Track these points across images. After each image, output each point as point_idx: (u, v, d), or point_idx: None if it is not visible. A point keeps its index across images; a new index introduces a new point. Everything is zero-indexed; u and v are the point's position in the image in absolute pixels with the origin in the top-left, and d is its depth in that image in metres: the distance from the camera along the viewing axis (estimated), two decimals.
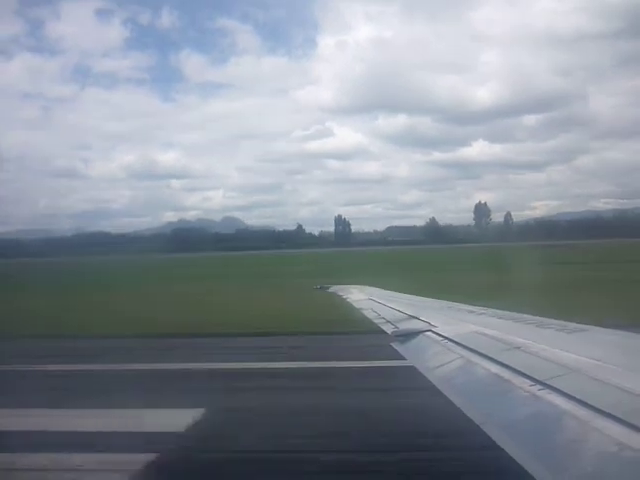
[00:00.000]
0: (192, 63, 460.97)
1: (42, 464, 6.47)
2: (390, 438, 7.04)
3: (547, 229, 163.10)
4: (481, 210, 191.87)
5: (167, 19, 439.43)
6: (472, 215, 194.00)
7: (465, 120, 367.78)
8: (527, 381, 2.50)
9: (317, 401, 8.86)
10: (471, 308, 5.50)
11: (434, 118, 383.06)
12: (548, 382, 2.38)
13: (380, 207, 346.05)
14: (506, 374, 2.69)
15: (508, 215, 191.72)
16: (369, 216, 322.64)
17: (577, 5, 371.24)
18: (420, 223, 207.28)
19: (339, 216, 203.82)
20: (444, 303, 6.31)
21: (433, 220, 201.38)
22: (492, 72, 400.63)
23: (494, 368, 2.84)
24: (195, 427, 7.58)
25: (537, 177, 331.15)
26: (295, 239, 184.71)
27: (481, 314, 4.96)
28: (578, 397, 2.12)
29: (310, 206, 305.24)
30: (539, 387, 2.38)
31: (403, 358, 4.10)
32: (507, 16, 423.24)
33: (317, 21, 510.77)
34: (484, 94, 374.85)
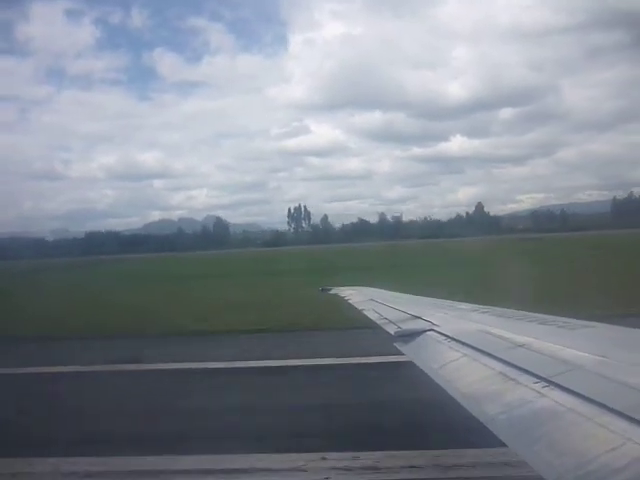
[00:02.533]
0: (166, 62, 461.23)
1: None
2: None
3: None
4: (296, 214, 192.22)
5: (137, 19, 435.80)
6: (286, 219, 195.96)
7: (440, 115, 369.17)
8: (532, 378, 2.49)
9: None
10: (474, 306, 5.50)
11: (408, 114, 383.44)
12: (553, 379, 2.38)
13: (366, 203, 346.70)
14: (511, 372, 2.69)
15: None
16: (356, 212, 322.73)
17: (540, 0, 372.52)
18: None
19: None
20: (446, 302, 6.31)
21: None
22: (463, 67, 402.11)
23: (498, 366, 2.84)
24: None
25: (520, 171, 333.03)
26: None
27: (484, 312, 4.96)
28: (583, 394, 2.12)
29: (295, 203, 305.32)
30: (544, 384, 2.38)
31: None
32: (471, 12, 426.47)
33: (286, 19, 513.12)
34: (457, 89, 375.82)
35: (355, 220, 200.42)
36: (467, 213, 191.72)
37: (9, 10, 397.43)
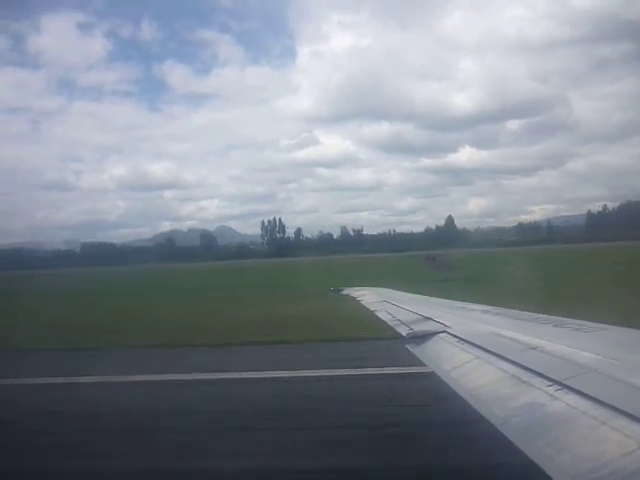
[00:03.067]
0: (176, 74, 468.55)
1: None
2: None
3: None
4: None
5: (147, 31, 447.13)
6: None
7: (448, 126, 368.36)
8: (544, 381, 2.48)
9: None
10: (486, 308, 5.48)
11: (416, 125, 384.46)
12: (566, 382, 2.37)
13: (376, 214, 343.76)
14: (523, 374, 2.68)
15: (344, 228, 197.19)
16: (367, 223, 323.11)
17: (545, 12, 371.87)
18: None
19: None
20: (459, 304, 6.29)
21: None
22: (470, 79, 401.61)
23: (511, 369, 2.83)
24: None
25: (530, 182, 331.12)
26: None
27: (496, 314, 4.94)
28: (596, 397, 2.11)
29: (306, 214, 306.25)
30: (557, 387, 2.37)
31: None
32: (477, 24, 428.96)
33: (294, 31, 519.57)
34: (464, 100, 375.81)
35: (324, 232, 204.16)
36: (437, 226, 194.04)
37: (21, 23, 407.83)
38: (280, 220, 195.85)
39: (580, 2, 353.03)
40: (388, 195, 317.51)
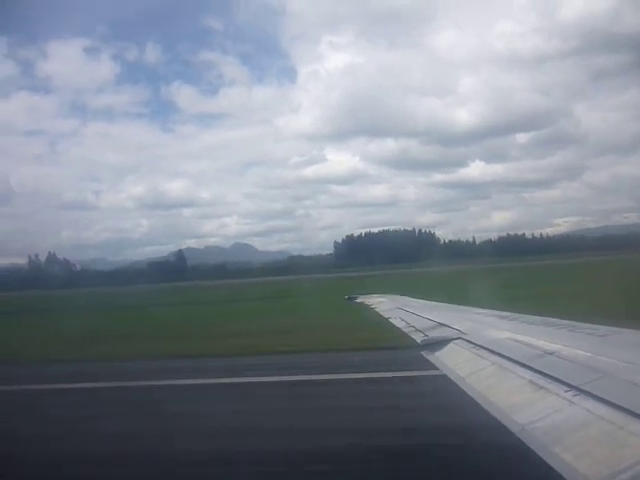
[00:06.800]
0: (184, 95, 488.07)
1: None
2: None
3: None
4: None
5: (152, 54, 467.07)
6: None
7: (453, 141, 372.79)
8: (562, 387, 2.48)
9: None
10: (501, 314, 5.45)
11: (421, 141, 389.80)
12: (583, 387, 2.37)
13: (398, 229, 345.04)
14: (540, 380, 2.68)
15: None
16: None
17: (533, 26, 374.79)
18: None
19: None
20: (473, 310, 6.26)
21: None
22: (469, 94, 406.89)
23: (528, 374, 2.83)
24: None
25: (550, 194, 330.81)
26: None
27: (512, 320, 4.92)
28: (614, 402, 2.11)
29: (327, 230, 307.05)
30: (574, 393, 2.36)
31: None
32: (467, 40, 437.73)
33: (299, 52, 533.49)
34: (466, 115, 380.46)
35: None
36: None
37: (29, 49, 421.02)
38: None
39: (567, 16, 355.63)
40: (407, 210, 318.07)
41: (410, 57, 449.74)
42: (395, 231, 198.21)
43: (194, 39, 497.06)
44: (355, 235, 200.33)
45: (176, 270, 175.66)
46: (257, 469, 6.82)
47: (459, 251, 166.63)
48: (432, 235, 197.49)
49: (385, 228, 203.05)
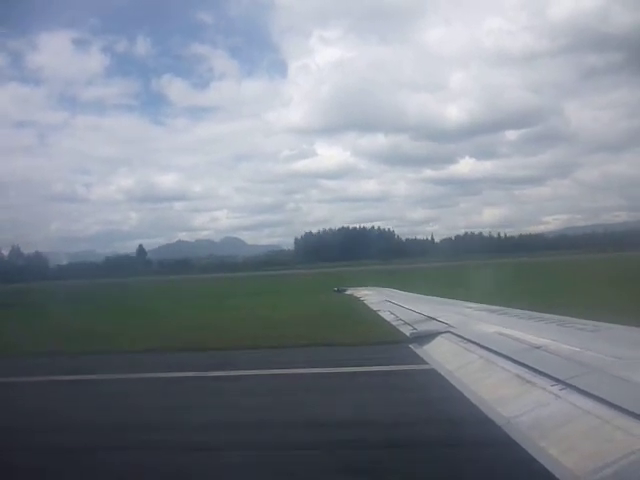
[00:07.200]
0: (175, 88, 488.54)
1: None
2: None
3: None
4: None
5: (142, 47, 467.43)
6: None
7: (442, 138, 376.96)
8: (549, 381, 2.47)
9: None
10: (490, 308, 5.46)
11: (411, 136, 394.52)
12: (570, 381, 2.36)
13: (389, 225, 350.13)
14: (527, 374, 2.67)
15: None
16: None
17: (523, 24, 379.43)
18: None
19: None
20: (462, 303, 6.27)
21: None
22: (459, 90, 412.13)
23: (515, 369, 2.82)
24: None
25: (540, 192, 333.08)
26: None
27: (502, 314, 4.92)
28: (601, 396, 2.10)
29: (317, 224, 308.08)
30: (561, 387, 2.35)
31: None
32: (457, 37, 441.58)
33: (282, 46, 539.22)
34: (456, 112, 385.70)
35: None
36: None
37: (19, 40, 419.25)
38: None
39: (557, 14, 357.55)
40: (397, 206, 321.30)
41: (400, 53, 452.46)
42: (354, 229, 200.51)
43: (184, 32, 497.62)
44: (313, 232, 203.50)
45: (136, 265, 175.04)
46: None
47: (418, 249, 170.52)
48: (392, 233, 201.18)
49: (345, 225, 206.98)
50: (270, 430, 7.82)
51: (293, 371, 12.00)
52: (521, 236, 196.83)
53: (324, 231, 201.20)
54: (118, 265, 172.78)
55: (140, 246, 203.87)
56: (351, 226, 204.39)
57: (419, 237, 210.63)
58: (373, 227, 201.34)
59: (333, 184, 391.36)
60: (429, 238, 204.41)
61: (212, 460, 6.94)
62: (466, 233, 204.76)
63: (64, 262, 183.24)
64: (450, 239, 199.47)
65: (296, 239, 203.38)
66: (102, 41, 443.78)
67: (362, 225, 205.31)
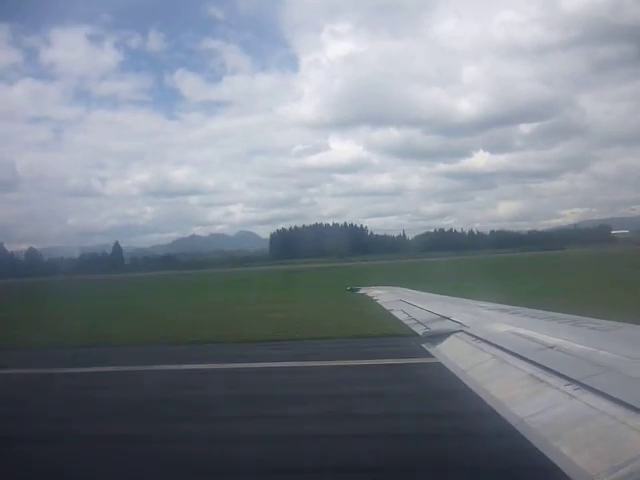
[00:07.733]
0: (188, 83, 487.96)
1: None
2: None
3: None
4: None
5: (155, 42, 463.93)
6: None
7: (456, 131, 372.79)
8: (562, 381, 2.47)
9: None
10: (504, 307, 5.44)
11: (424, 130, 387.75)
12: (584, 381, 2.35)
13: (404, 219, 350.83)
14: (541, 374, 2.66)
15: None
16: (394, 227, 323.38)
17: (534, 16, 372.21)
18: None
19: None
20: (476, 303, 6.25)
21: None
22: (472, 83, 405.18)
23: (528, 368, 2.81)
24: None
25: (555, 185, 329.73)
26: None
27: (514, 313, 4.90)
28: (615, 396, 2.09)
29: (333, 218, 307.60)
30: (575, 386, 2.35)
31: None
32: (469, 30, 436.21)
33: (294, 40, 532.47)
34: (469, 105, 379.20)
35: None
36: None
37: (32, 37, 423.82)
38: None
39: (569, 6, 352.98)
40: (412, 200, 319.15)
41: (412, 46, 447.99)
42: (327, 226, 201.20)
43: (197, 27, 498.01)
44: (287, 229, 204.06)
45: (112, 262, 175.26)
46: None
47: (391, 245, 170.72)
48: (364, 229, 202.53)
49: (319, 222, 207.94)
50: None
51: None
52: (535, 232, 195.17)
53: (298, 227, 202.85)
54: (94, 261, 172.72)
55: (116, 243, 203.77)
56: (324, 223, 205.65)
57: (389, 234, 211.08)
58: (345, 223, 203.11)
59: (347, 178, 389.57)
60: (401, 234, 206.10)
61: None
62: (463, 231, 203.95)
63: (76, 256, 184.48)
64: (427, 233, 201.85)
65: (271, 234, 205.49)
66: (115, 37, 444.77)
67: (334, 222, 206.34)
